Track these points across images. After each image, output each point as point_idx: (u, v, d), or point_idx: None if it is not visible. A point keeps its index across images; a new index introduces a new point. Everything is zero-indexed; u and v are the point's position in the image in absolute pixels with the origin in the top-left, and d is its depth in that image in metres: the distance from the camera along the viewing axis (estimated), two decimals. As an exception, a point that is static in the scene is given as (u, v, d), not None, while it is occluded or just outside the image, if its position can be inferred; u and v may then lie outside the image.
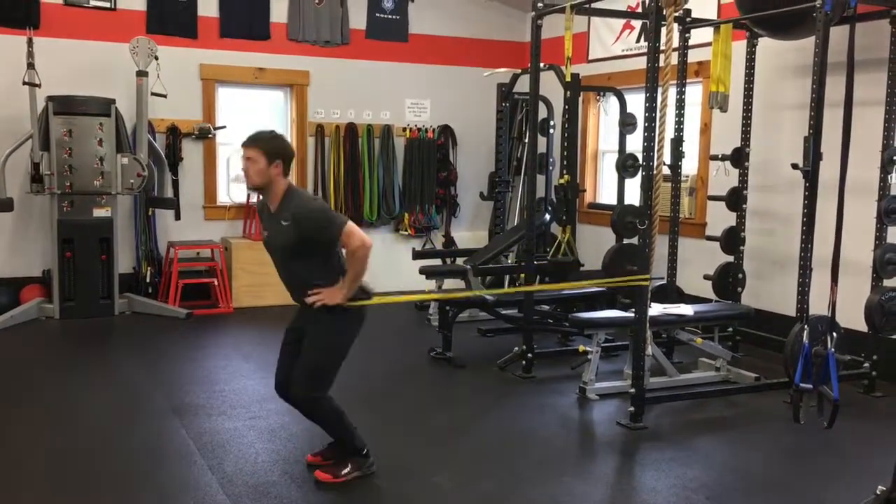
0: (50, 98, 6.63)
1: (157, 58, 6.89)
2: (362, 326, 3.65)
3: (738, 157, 5.80)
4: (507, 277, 7.27)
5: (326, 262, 3.57)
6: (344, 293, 3.49)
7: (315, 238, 3.48)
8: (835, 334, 4.31)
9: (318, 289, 3.51)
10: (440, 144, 8.53)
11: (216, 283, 7.29)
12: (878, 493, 3.00)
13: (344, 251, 3.53)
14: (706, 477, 3.82)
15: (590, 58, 7.90)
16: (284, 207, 3.52)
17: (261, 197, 3.69)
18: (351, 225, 3.48)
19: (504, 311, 6.13)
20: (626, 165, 6.13)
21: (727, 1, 6.23)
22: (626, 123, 6.74)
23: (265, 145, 3.51)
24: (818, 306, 4.51)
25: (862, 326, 4.93)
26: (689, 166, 6.51)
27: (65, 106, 6.67)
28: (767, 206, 6.11)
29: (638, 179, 4.88)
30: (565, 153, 6.66)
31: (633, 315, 4.61)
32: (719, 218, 6.14)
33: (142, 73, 6.85)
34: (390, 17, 8.30)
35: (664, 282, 5.85)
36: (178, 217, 7.43)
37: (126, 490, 3.58)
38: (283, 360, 3.75)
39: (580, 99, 7.13)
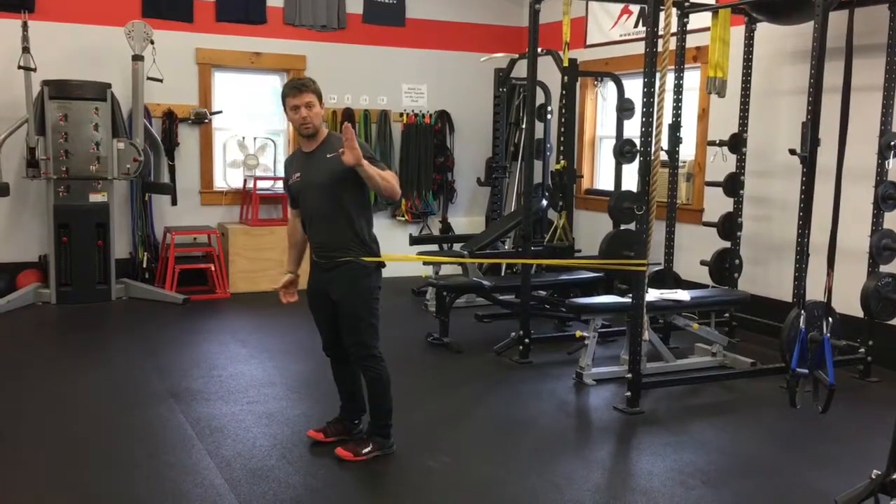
0: (45, 82, 6.60)
1: (152, 42, 6.85)
2: (380, 275, 3.72)
3: (736, 143, 5.80)
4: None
5: (365, 211, 3.64)
6: (360, 156, 3.40)
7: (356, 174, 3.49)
8: (831, 320, 4.33)
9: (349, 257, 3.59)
10: (437, 130, 8.51)
11: (213, 268, 7.28)
12: (873, 477, 3.02)
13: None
14: (702, 461, 3.84)
15: (587, 43, 7.88)
16: (327, 145, 3.62)
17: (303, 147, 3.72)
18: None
19: (501, 297, 6.14)
20: (623, 151, 6.13)
21: (726, -14, 6.21)
22: (624, 109, 6.73)
23: (315, 87, 3.59)
24: (814, 292, 4.52)
25: (858, 312, 4.94)
26: (687, 152, 6.50)
27: (60, 90, 6.64)
28: (765, 192, 6.11)
29: (635, 165, 4.87)
30: (562, 139, 6.64)
31: (630, 300, 4.62)
32: (716, 204, 6.15)
33: (137, 58, 6.82)
34: (387, 1, 8.26)
35: (661, 267, 5.86)
36: (174, 202, 7.41)
37: (124, 474, 3.59)
38: (321, 322, 3.83)
39: (578, 84, 7.10)
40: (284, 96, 3.60)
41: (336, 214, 3.59)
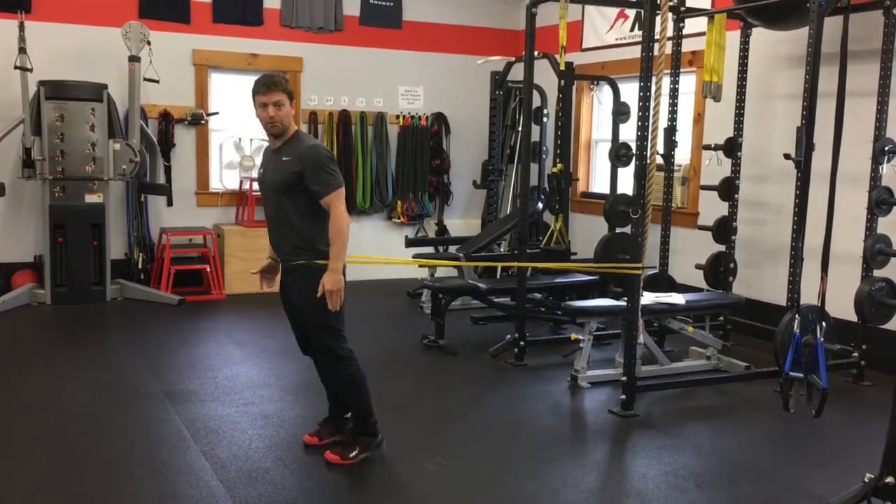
0: (41, 83, 6.60)
1: (149, 43, 6.85)
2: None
3: (731, 147, 5.82)
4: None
5: (315, 216, 3.54)
6: (335, 276, 3.45)
7: (307, 182, 3.47)
8: (824, 324, 4.34)
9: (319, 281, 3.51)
10: (433, 132, 8.53)
11: (208, 269, 7.28)
12: (866, 480, 3.03)
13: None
14: (696, 464, 3.85)
15: (584, 46, 7.90)
16: (290, 145, 3.56)
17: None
18: (343, 191, 3.54)
19: (497, 300, 6.15)
20: (619, 154, 6.16)
21: (721, -10, 6.24)
22: (620, 112, 6.75)
23: (286, 86, 3.53)
24: (809, 296, 4.54)
25: (852, 316, 4.96)
26: (682, 156, 6.52)
27: (56, 91, 6.64)
28: (759, 196, 6.13)
29: (631, 168, 4.89)
30: (558, 142, 6.66)
31: (625, 304, 4.63)
32: (711, 207, 6.17)
33: (134, 59, 6.82)
34: (384, 3, 8.27)
35: (656, 271, 5.87)
36: (170, 203, 7.41)
37: (119, 475, 3.59)
38: (292, 322, 3.85)
39: (574, 88, 7.13)
40: (255, 93, 3.54)
41: (284, 217, 3.57)
